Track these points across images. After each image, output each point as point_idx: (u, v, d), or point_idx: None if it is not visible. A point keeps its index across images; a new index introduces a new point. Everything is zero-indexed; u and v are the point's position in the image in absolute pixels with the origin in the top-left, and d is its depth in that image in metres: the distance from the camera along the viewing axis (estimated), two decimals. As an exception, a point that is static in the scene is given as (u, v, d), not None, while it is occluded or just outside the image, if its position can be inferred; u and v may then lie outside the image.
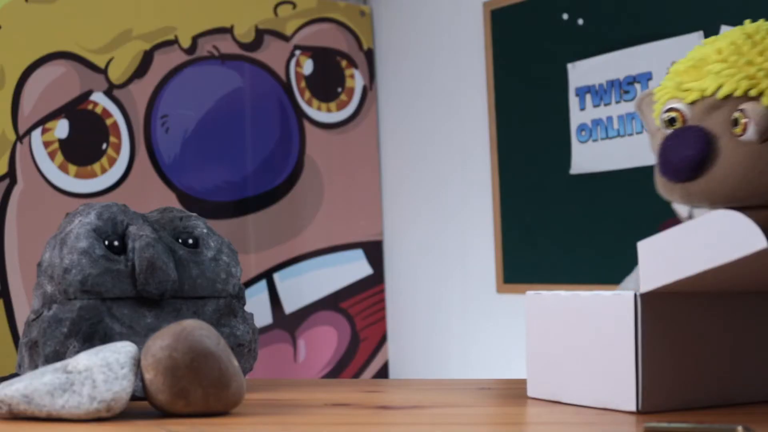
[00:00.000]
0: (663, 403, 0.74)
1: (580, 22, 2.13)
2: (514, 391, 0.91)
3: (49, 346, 0.86)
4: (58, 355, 0.86)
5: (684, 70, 1.18)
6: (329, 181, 2.42)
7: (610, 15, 2.07)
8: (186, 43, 2.21)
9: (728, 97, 1.13)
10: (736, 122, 1.13)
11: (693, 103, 1.15)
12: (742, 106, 1.13)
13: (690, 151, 1.11)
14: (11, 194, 1.91)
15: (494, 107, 2.30)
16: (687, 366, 0.76)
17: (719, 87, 1.13)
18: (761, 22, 1.19)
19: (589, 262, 2.09)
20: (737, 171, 1.10)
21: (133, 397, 0.81)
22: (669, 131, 1.14)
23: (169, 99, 2.17)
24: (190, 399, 0.74)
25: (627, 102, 2.04)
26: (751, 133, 1.12)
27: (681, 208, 1.16)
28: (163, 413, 0.76)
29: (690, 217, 1.14)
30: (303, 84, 2.42)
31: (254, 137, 2.31)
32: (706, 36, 1.90)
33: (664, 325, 0.74)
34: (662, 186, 1.16)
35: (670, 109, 1.16)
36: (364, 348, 2.48)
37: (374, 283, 2.51)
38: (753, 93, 1.13)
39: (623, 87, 2.05)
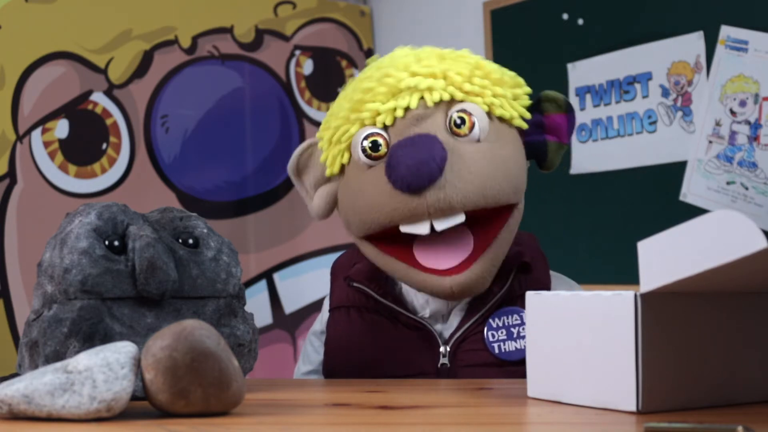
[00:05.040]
0: (663, 403, 0.74)
1: (580, 22, 2.13)
2: (514, 391, 0.91)
3: (49, 346, 0.86)
4: (58, 355, 0.86)
5: (353, 105, 1.14)
6: (329, 181, 2.42)
7: (610, 15, 2.08)
8: (186, 43, 2.21)
9: (434, 106, 1.11)
10: (461, 121, 1.10)
11: (392, 124, 1.11)
12: (463, 106, 1.12)
13: (431, 152, 1.04)
14: (11, 194, 1.91)
15: (494, 107, 2.30)
16: (687, 366, 0.76)
17: (421, 99, 1.10)
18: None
19: (589, 262, 2.09)
20: (484, 169, 1.08)
21: (134, 397, 0.81)
22: (380, 157, 1.10)
23: (169, 99, 2.17)
24: (190, 399, 0.74)
25: (627, 102, 2.04)
26: (476, 131, 1.10)
27: (420, 227, 1.08)
28: (163, 413, 0.76)
29: (433, 231, 1.07)
30: (303, 84, 2.42)
31: (254, 137, 2.31)
32: (706, 36, 1.90)
33: (664, 325, 0.74)
34: (400, 208, 1.07)
35: (370, 135, 1.12)
36: (364, 348, 2.48)
37: (374, 283, 2.51)
38: (461, 96, 1.11)
39: (623, 87, 2.05)
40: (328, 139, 1.17)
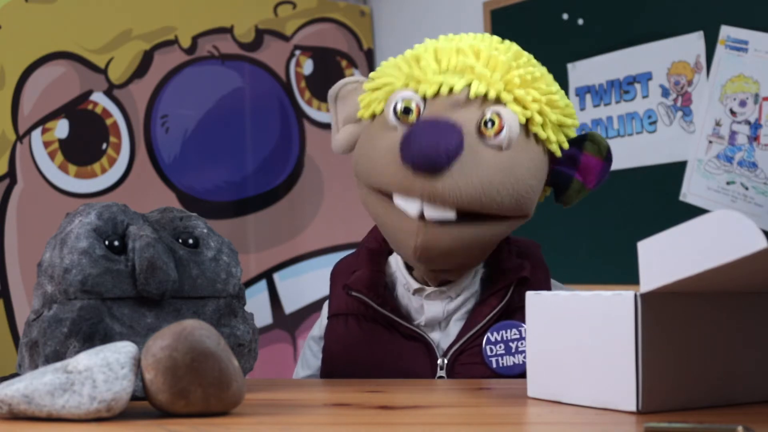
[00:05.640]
0: (663, 403, 0.74)
1: (580, 22, 2.14)
2: (514, 391, 0.91)
3: (49, 346, 0.86)
4: (58, 355, 0.86)
5: (422, 62, 1.13)
6: (329, 181, 2.42)
7: (610, 15, 2.08)
8: (186, 43, 2.21)
9: (477, 98, 1.10)
10: (491, 123, 1.10)
11: (432, 97, 1.11)
12: (499, 110, 1.11)
13: (448, 141, 1.04)
14: (11, 194, 1.91)
15: (494, 107, 2.30)
16: (687, 366, 0.76)
17: (468, 86, 1.10)
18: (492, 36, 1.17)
19: (589, 262, 2.09)
20: (493, 179, 1.07)
21: (134, 397, 0.81)
22: (406, 122, 1.11)
23: (169, 99, 2.17)
24: (190, 399, 0.74)
25: (627, 102, 2.04)
26: (503, 137, 1.10)
27: (411, 206, 1.09)
28: (163, 413, 0.76)
29: (422, 216, 1.09)
30: (303, 84, 2.42)
31: (254, 137, 2.31)
32: (706, 36, 1.90)
33: (664, 325, 0.74)
34: (399, 180, 1.08)
35: (407, 98, 1.12)
36: (364, 348, 2.48)
37: (374, 283, 2.51)
38: (506, 99, 1.10)
39: (623, 87, 2.05)
40: (375, 84, 1.18)
